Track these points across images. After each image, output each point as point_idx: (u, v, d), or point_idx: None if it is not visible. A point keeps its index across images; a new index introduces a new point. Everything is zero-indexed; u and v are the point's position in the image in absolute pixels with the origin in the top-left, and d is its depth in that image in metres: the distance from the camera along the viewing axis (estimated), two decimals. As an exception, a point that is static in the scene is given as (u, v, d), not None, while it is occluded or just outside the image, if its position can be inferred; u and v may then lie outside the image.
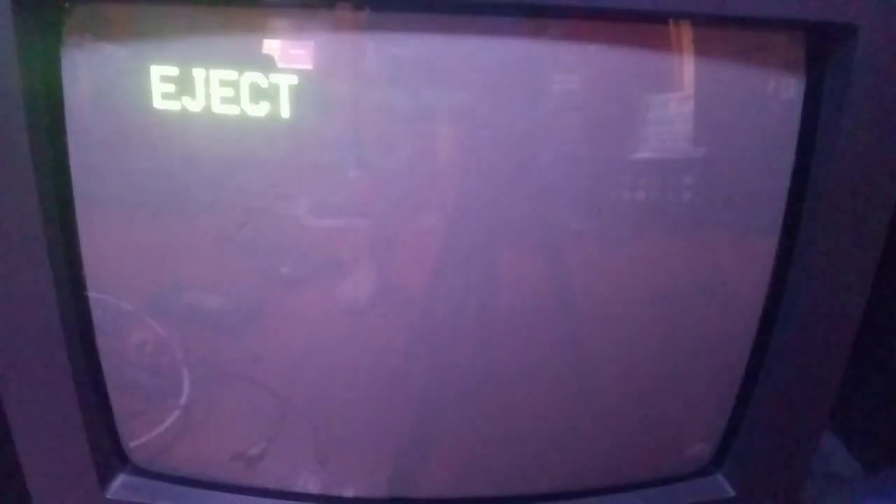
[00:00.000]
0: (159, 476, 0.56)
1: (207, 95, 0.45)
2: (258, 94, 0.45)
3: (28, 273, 0.47)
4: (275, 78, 0.45)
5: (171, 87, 0.45)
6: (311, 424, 0.56)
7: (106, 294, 0.50)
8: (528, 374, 0.55)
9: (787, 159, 0.49)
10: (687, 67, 0.47)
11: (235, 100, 0.45)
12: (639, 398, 0.56)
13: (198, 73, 0.45)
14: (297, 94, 0.45)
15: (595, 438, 0.58)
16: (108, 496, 0.55)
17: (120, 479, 0.56)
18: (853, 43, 0.44)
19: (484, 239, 0.51)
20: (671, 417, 0.58)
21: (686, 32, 0.46)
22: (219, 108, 0.45)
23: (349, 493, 0.58)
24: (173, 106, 0.46)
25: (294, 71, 0.45)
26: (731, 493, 0.58)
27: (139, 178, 0.48)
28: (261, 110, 0.46)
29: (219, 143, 0.47)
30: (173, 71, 0.45)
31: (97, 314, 0.51)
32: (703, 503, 0.59)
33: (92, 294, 0.50)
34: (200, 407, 0.55)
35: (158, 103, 0.45)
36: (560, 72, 0.47)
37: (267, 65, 0.45)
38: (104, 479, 0.55)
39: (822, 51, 0.46)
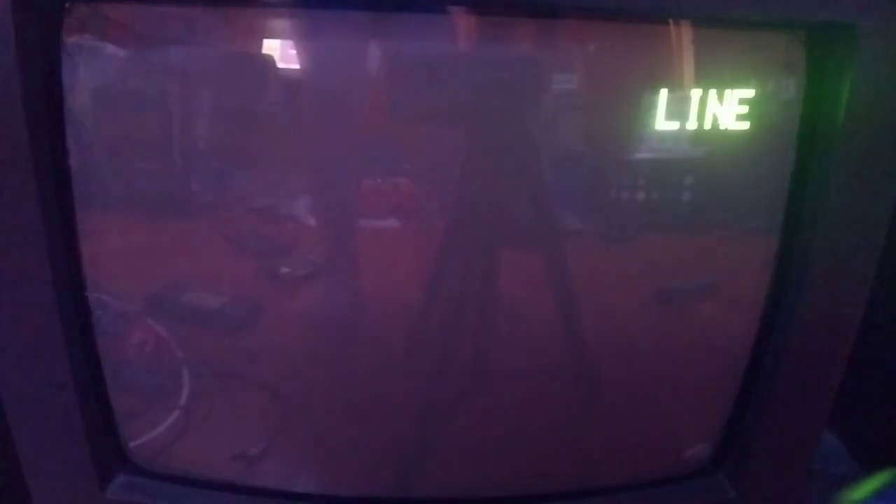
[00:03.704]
0: (159, 476, 0.56)
1: (208, 95, 0.45)
2: (258, 93, 0.45)
3: (28, 273, 0.46)
4: (275, 77, 0.45)
5: (171, 87, 0.45)
6: (311, 424, 0.56)
7: (106, 294, 0.50)
8: (528, 374, 0.55)
9: (787, 159, 0.49)
10: (687, 67, 0.47)
11: (236, 100, 0.45)
12: (639, 398, 0.56)
13: (198, 72, 0.45)
14: (297, 93, 0.45)
15: (595, 438, 0.58)
16: (107, 496, 0.55)
17: (120, 479, 0.56)
18: (853, 43, 0.44)
19: (484, 239, 0.51)
20: (671, 417, 0.58)
21: (686, 32, 0.46)
22: (219, 108, 0.45)
23: (349, 493, 0.58)
24: (173, 106, 0.46)
25: (294, 70, 0.45)
26: (731, 493, 0.58)
27: (139, 178, 0.48)
28: (261, 110, 0.46)
29: (219, 142, 0.47)
30: (173, 71, 0.45)
31: (97, 314, 0.51)
32: (702, 503, 0.59)
33: (92, 294, 0.50)
34: (200, 407, 0.55)
35: (159, 102, 0.46)
36: (560, 72, 0.47)
37: (267, 64, 0.45)
38: (104, 479, 0.55)
39: (822, 51, 0.46)
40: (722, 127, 0.48)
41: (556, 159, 0.49)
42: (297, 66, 0.45)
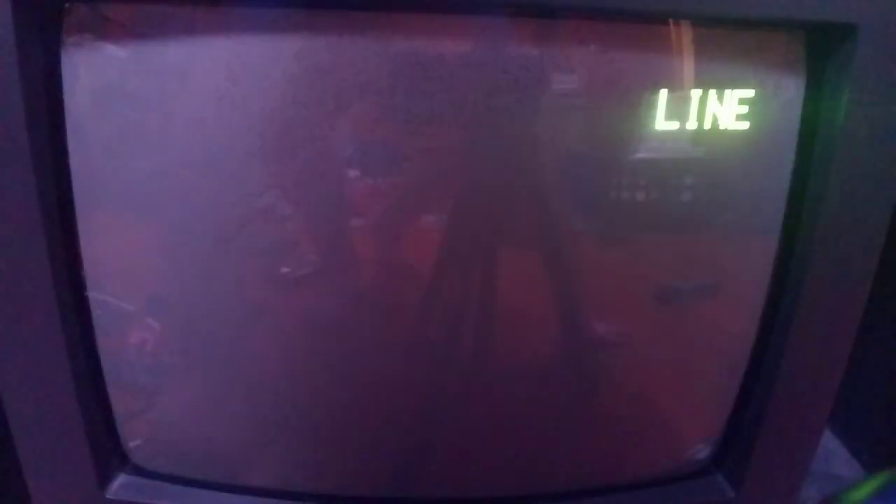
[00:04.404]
0: (159, 476, 0.56)
1: (208, 95, 0.45)
2: (258, 93, 0.45)
3: (28, 273, 0.47)
4: (276, 76, 0.45)
5: (171, 87, 0.45)
6: (312, 424, 0.56)
7: (106, 294, 0.50)
8: (528, 373, 0.55)
9: (787, 159, 0.49)
10: (687, 67, 0.47)
11: (236, 99, 0.45)
12: (639, 398, 0.56)
13: (198, 72, 0.45)
14: (296, 93, 0.45)
15: (595, 438, 0.58)
16: (108, 496, 0.55)
17: (120, 479, 0.56)
18: (853, 43, 0.44)
19: (485, 239, 0.51)
20: (671, 417, 0.58)
21: (686, 32, 0.46)
22: (219, 108, 0.45)
23: (349, 492, 0.58)
24: (173, 106, 0.46)
25: (295, 70, 0.45)
26: (731, 493, 0.58)
27: (139, 178, 0.48)
28: (261, 110, 0.46)
29: (219, 143, 0.47)
30: (173, 70, 0.45)
31: (97, 314, 0.51)
32: (702, 503, 0.59)
33: (92, 294, 0.50)
34: (200, 407, 0.55)
35: (159, 102, 0.46)
36: (560, 72, 0.47)
37: (268, 63, 0.45)
38: (104, 479, 0.55)
39: (822, 51, 0.46)
40: (722, 127, 0.48)
41: (556, 159, 0.49)
42: (298, 66, 0.45)
